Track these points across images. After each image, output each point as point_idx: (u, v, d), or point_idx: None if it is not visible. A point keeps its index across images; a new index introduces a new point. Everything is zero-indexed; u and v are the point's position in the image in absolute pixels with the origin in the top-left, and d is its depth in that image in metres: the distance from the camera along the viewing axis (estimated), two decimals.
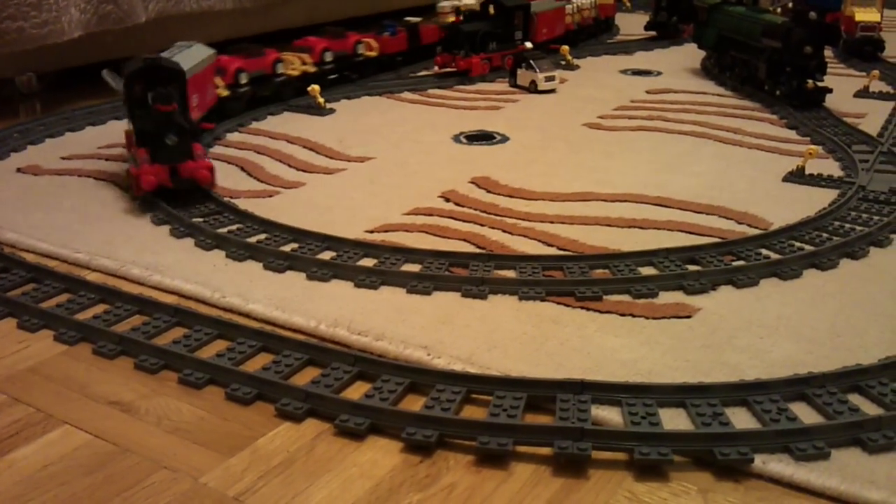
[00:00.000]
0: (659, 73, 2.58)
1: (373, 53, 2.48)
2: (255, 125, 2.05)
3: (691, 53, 2.69)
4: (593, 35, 3.11)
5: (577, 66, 2.67)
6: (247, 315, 1.14)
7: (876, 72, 2.31)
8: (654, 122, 2.04)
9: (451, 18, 2.75)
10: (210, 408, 0.95)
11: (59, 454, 0.88)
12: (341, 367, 1.00)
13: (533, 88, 2.35)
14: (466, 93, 2.37)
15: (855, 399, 0.93)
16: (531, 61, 2.37)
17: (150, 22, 2.37)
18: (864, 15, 2.73)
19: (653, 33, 3.10)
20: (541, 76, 2.34)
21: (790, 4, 3.27)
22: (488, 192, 1.59)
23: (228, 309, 1.16)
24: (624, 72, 2.61)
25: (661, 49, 2.95)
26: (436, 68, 2.56)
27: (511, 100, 2.28)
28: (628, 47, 2.96)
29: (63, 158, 1.81)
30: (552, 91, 2.35)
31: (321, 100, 2.16)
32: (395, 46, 2.57)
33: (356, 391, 0.97)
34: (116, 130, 1.97)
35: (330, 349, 1.04)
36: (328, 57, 2.35)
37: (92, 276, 1.26)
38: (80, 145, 1.90)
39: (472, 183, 1.63)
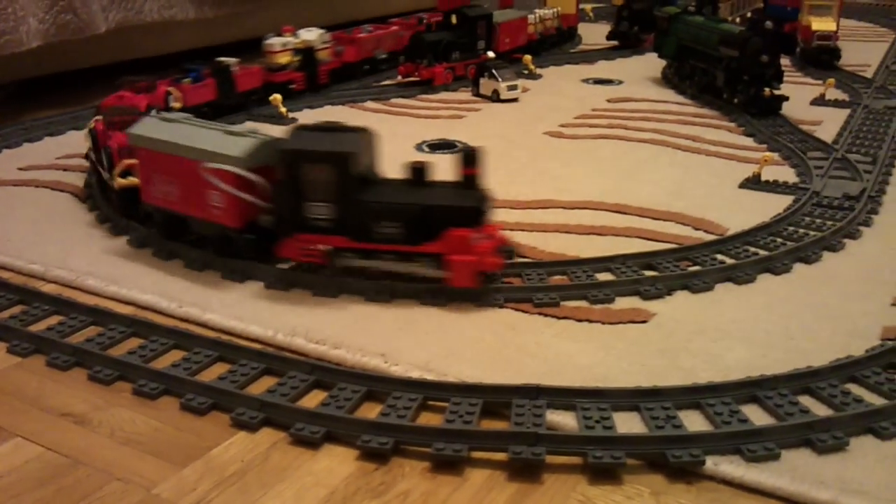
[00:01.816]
0: (620, 82, 2.60)
1: (177, 105, 1.95)
2: None
3: (652, 63, 2.72)
4: (556, 44, 3.13)
5: (540, 76, 2.69)
6: (204, 325, 1.14)
7: (831, 80, 2.36)
8: (615, 130, 2.06)
9: (284, 59, 2.36)
10: (164, 418, 0.95)
11: (10, 467, 0.87)
12: (298, 375, 1.00)
13: (495, 97, 2.36)
14: (429, 102, 2.38)
15: (806, 401, 0.95)
16: (494, 71, 2.38)
17: (110, 32, 2.35)
18: (821, 24, 2.78)
19: (615, 43, 3.13)
20: (503, 85, 2.35)
21: (749, 14, 3.32)
22: None
23: (185, 319, 1.15)
24: (586, 81, 2.63)
25: (622, 58, 2.98)
26: (399, 77, 2.56)
27: (474, 109, 2.29)
28: (590, 57, 2.99)
29: (20, 169, 1.79)
30: (514, 100, 2.36)
31: (283, 109, 2.16)
32: (200, 97, 2.07)
33: (313, 399, 0.97)
34: (75, 141, 1.95)
35: (287, 358, 1.03)
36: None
37: (47, 288, 1.24)
38: (38, 156, 1.88)
39: None
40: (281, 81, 2.32)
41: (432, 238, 1.17)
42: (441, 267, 1.18)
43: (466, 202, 1.17)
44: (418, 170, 1.20)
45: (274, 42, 2.35)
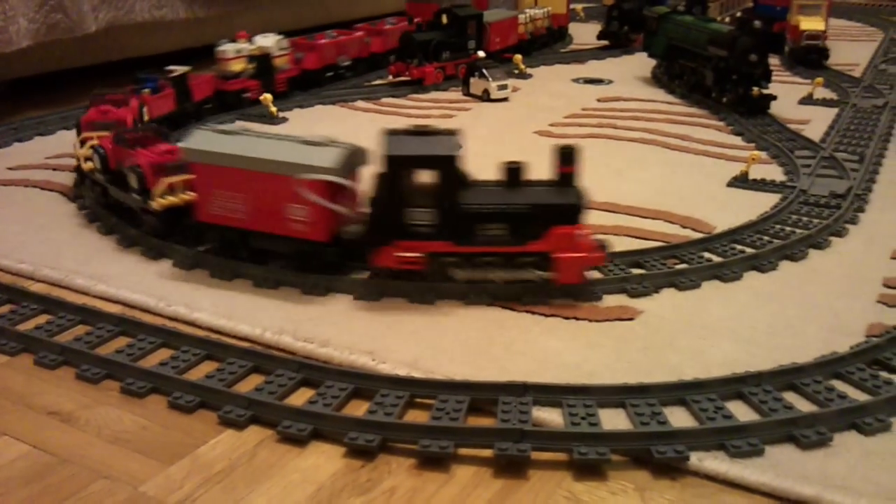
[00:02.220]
0: (610, 82, 2.61)
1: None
2: None
3: (642, 62, 2.73)
4: (546, 44, 3.14)
5: (530, 75, 2.69)
6: (192, 324, 1.14)
7: (820, 79, 2.37)
8: (604, 129, 2.07)
9: (238, 66, 2.22)
10: (152, 417, 0.95)
11: None
12: (286, 373, 1.00)
13: (486, 97, 2.37)
14: (420, 101, 2.38)
15: (790, 397, 0.95)
16: (484, 70, 2.39)
17: (100, 31, 2.35)
18: (810, 24, 2.80)
19: (605, 42, 3.14)
20: (493, 85, 2.36)
21: (738, 14, 3.33)
22: None
23: (174, 318, 1.15)
24: (576, 80, 2.64)
25: (612, 58, 2.99)
26: (390, 77, 2.57)
27: (464, 108, 2.29)
28: (581, 56, 2.99)
29: (10, 169, 1.79)
30: (505, 99, 2.37)
31: (273, 109, 2.16)
32: (161, 108, 1.95)
33: (300, 398, 0.97)
34: (65, 141, 1.95)
35: (275, 356, 1.04)
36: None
37: (36, 287, 1.24)
38: (28, 155, 1.88)
39: None
40: (234, 90, 2.21)
41: (534, 238, 1.17)
42: (543, 267, 1.18)
43: (569, 200, 1.17)
44: (514, 170, 1.19)
45: (227, 49, 2.22)
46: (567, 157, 1.18)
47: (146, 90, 1.88)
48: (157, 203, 1.31)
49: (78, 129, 1.63)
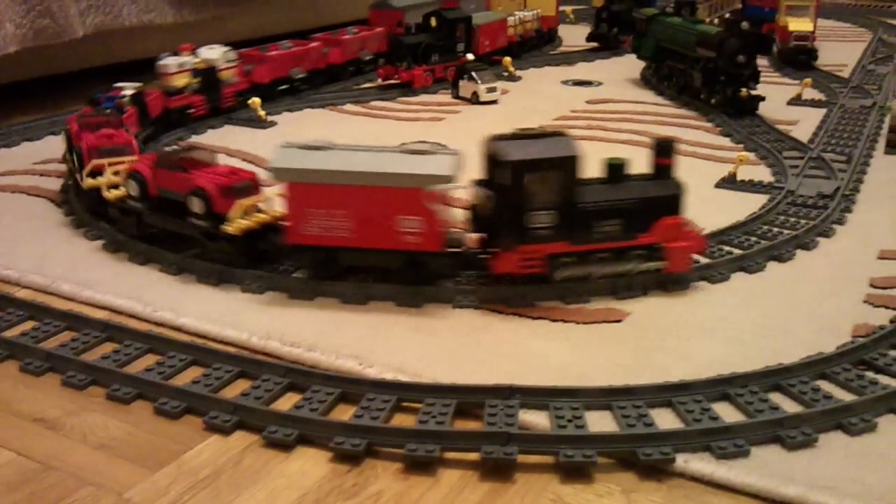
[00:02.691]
0: (599, 84, 2.61)
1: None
2: (194, 138, 2.04)
3: (631, 64, 2.73)
4: (536, 46, 3.14)
5: (520, 78, 2.70)
6: (178, 329, 1.14)
7: (808, 80, 2.37)
8: (594, 131, 2.07)
9: (181, 81, 2.06)
10: (138, 423, 0.94)
11: None
12: (272, 378, 1.00)
13: (475, 100, 2.37)
14: (409, 104, 2.38)
15: (776, 397, 0.96)
16: (473, 73, 2.39)
17: (88, 36, 2.34)
18: (798, 25, 2.80)
19: (594, 44, 3.14)
20: (482, 87, 2.36)
21: (727, 15, 3.34)
22: None
23: (160, 323, 1.15)
24: (565, 82, 2.64)
25: (602, 60, 2.99)
26: (379, 80, 2.57)
27: (453, 111, 2.29)
28: (570, 58, 3.00)
29: None
30: (494, 102, 2.37)
31: (262, 112, 2.16)
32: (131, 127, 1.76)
33: (287, 402, 0.97)
34: (52, 146, 1.94)
35: (261, 361, 1.03)
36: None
37: (22, 293, 1.24)
38: (15, 161, 1.88)
39: None
40: (178, 107, 2.06)
41: (643, 231, 1.20)
42: (650, 258, 1.20)
43: (673, 191, 1.21)
44: (618, 165, 1.21)
45: (169, 63, 2.05)
46: (664, 149, 1.22)
47: (108, 110, 1.71)
48: (235, 227, 1.23)
49: (69, 141, 1.56)
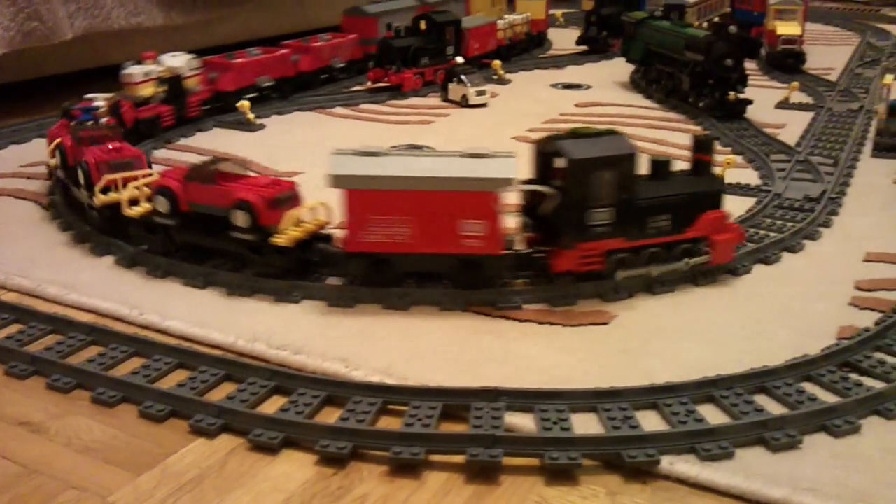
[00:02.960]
0: (589, 87, 2.62)
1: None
2: (182, 142, 2.03)
3: (621, 68, 2.74)
4: (525, 50, 3.14)
5: (509, 81, 2.70)
6: (164, 332, 1.13)
7: (796, 83, 2.38)
8: None
9: (147, 90, 2.00)
10: (122, 426, 0.94)
11: None
12: (258, 381, 1.00)
13: (464, 103, 2.37)
14: (399, 107, 2.38)
15: (761, 399, 0.96)
16: (462, 76, 2.39)
17: (77, 39, 2.34)
18: (786, 28, 2.81)
19: (584, 48, 3.15)
20: (472, 90, 2.36)
21: (716, 19, 3.35)
22: None
23: (146, 326, 1.15)
24: (555, 86, 2.64)
25: (591, 63, 3.00)
26: (368, 83, 2.57)
27: (443, 114, 2.30)
28: (559, 62, 3.00)
29: None
30: (483, 105, 2.37)
31: (251, 115, 2.15)
32: None
33: (272, 405, 0.97)
34: (40, 149, 1.93)
35: (247, 364, 1.03)
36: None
37: (7, 297, 1.23)
38: (2, 163, 1.87)
39: None
40: (147, 117, 1.99)
41: (688, 225, 1.23)
42: (694, 253, 1.24)
43: (716, 186, 1.26)
44: (664, 163, 1.24)
45: (133, 72, 1.98)
46: (703, 145, 1.26)
47: (89, 122, 1.65)
48: (287, 238, 1.21)
49: (63, 156, 1.50)
